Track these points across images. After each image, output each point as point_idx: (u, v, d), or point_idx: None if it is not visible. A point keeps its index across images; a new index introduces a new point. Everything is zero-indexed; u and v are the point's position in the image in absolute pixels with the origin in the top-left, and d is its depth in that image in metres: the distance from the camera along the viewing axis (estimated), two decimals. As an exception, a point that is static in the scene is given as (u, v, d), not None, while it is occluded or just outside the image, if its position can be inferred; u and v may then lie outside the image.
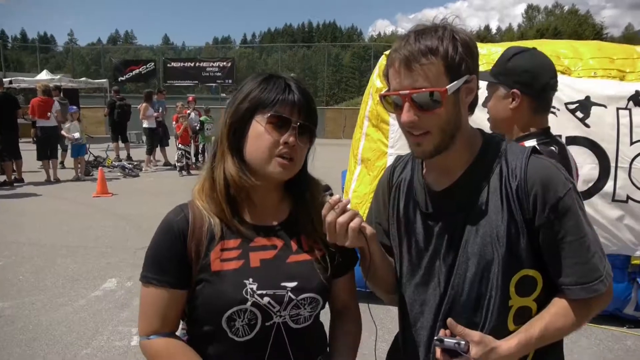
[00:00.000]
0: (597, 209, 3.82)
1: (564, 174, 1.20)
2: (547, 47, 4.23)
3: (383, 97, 1.22)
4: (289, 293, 1.23)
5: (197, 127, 12.95)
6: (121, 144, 14.09)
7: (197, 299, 1.22)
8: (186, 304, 1.26)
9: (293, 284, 1.24)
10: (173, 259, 1.22)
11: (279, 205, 1.34)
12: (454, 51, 1.13)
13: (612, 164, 3.83)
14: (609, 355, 3.76)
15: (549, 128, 1.93)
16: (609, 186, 3.83)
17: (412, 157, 1.41)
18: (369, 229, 1.24)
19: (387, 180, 1.46)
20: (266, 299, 1.21)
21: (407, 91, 1.14)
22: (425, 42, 1.12)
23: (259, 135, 1.22)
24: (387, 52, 3.91)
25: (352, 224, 1.18)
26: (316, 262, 1.30)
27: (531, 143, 1.78)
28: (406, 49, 1.13)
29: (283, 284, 1.23)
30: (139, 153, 13.89)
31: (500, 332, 1.20)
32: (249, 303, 1.19)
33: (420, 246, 1.32)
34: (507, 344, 1.17)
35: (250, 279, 1.21)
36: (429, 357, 1.29)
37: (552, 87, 1.92)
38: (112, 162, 12.71)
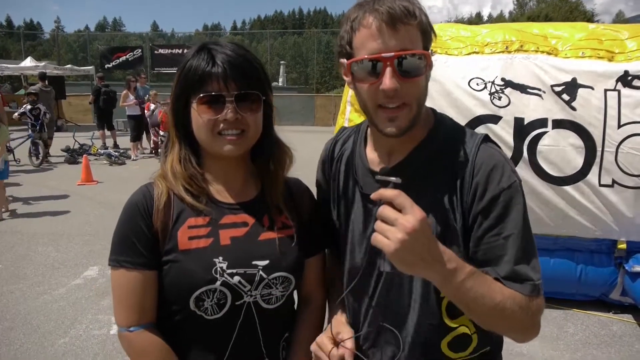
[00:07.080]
0: (583, 193, 3.77)
1: (511, 166, 1.12)
2: (536, 28, 4.16)
3: (354, 63, 1.07)
4: (260, 272, 1.18)
5: None
6: (107, 132, 13.88)
7: (164, 280, 1.17)
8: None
9: (264, 263, 1.19)
10: (142, 238, 1.17)
11: (248, 181, 1.27)
12: (425, 18, 1.05)
13: (599, 148, 3.76)
14: (594, 340, 3.74)
15: None
16: (594, 170, 3.77)
17: (356, 131, 1.31)
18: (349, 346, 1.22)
19: (329, 154, 1.36)
20: (236, 278, 1.16)
21: (392, 53, 1.02)
22: (401, 2, 1.02)
23: (197, 119, 1.15)
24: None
25: None
26: (289, 240, 1.24)
27: None
28: (386, 5, 1.01)
29: (254, 262, 1.18)
30: (125, 141, 13.69)
31: (434, 318, 1.15)
32: (218, 283, 1.14)
33: (359, 228, 1.23)
34: (448, 252, 1.00)
35: (220, 257, 1.15)
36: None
37: None
38: (97, 150, 12.50)
